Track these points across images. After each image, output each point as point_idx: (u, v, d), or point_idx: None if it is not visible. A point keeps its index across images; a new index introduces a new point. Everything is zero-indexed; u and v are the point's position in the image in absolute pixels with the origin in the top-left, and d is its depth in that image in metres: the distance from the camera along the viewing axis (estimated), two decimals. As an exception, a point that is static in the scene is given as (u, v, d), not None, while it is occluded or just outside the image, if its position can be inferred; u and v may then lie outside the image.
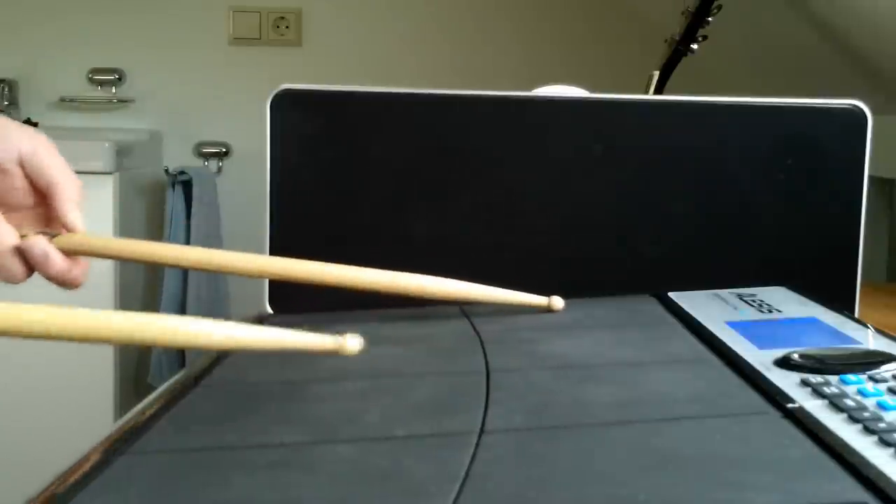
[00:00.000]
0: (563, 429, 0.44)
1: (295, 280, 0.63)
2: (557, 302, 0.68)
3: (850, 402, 0.43)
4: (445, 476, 0.37)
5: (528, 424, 0.45)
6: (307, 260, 0.63)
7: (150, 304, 1.98)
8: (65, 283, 0.59)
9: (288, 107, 0.75)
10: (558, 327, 0.65)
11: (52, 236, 0.59)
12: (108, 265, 1.70)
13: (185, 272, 1.95)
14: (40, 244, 0.58)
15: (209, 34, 2.13)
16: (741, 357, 0.53)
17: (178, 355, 1.96)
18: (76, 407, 1.57)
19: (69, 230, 0.61)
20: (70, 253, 0.59)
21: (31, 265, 0.58)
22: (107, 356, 1.69)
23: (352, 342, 0.50)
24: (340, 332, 0.66)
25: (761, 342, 0.55)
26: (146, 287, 1.99)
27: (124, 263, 1.74)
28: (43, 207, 0.62)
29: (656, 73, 1.36)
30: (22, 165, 0.60)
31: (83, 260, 0.60)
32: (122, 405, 1.72)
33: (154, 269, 2.00)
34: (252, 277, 0.65)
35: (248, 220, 2.03)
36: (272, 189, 0.75)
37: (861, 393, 0.44)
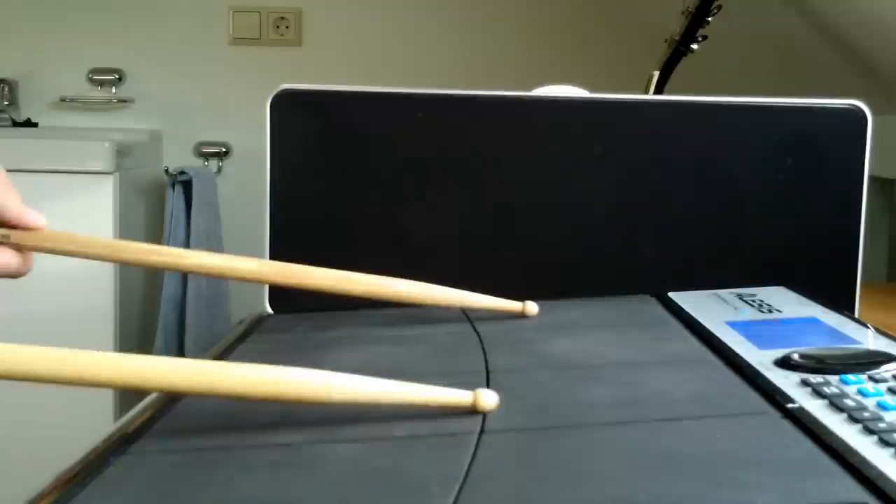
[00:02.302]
0: (563, 429, 0.44)
1: (265, 282, 0.63)
2: (532, 307, 0.68)
3: (850, 402, 0.43)
4: (445, 476, 0.37)
5: (528, 424, 0.45)
6: (305, 262, 0.63)
7: (150, 303, 1.98)
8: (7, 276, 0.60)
9: (288, 107, 0.75)
10: (558, 327, 0.65)
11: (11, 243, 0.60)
12: (107, 265, 1.70)
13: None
14: None
15: (209, 34, 2.13)
16: (741, 357, 0.53)
17: (178, 355, 1.95)
18: (76, 407, 1.57)
19: (32, 229, 0.60)
20: (29, 249, 0.60)
21: None
22: (107, 356, 1.68)
23: (487, 398, 0.46)
24: (340, 331, 0.66)
25: (761, 342, 0.55)
26: (146, 286, 1.99)
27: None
28: None
29: (656, 73, 1.36)
30: None
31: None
32: (122, 405, 1.72)
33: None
34: (248, 281, 0.65)
35: (248, 220, 2.03)
36: (272, 189, 0.75)
37: (861, 393, 0.44)
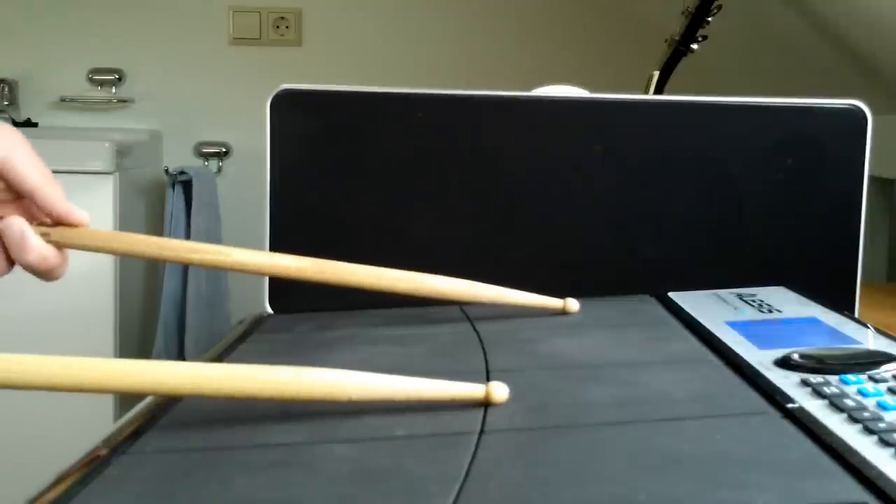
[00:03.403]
0: (563, 429, 0.44)
1: (306, 280, 0.63)
2: (573, 304, 0.68)
3: (850, 402, 0.43)
4: (445, 476, 0.37)
5: (528, 424, 0.45)
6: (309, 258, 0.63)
7: (150, 302, 1.98)
8: (45, 273, 0.56)
9: (288, 107, 0.75)
10: (558, 327, 0.65)
11: (52, 240, 0.57)
12: (107, 265, 1.70)
13: (185, 270, 1.95)
14: (17, 224, 0.54)
15: (209, 34, 2.13)
16: (741, 357, 0.53)
17: (178, 355, 1.96)
18: (76, 407, 1.57)
19: (72, 224, 0.58)
20: (70, 247, 0.57)
21: (9, 255, 0.54)
22: (107, 356, 1.68)
23: (499, 391, 0.47)
24: (341, 331, 0.66)
25: (761, 342, 0.55)
26: (146, 285, 1.99)
27: (124, 261, 1.74)
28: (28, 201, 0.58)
29: (656, 73, 1.36)
30: None
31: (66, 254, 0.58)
32: (122, 405, 1.72)
33: (154, 267, 2.00)
34: (259, 275, 0.64)
35: (248, 220, 2.03)
36: (272, 189, 0.75)
37: (861, 393, 0.44)
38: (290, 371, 0.45)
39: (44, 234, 0.57)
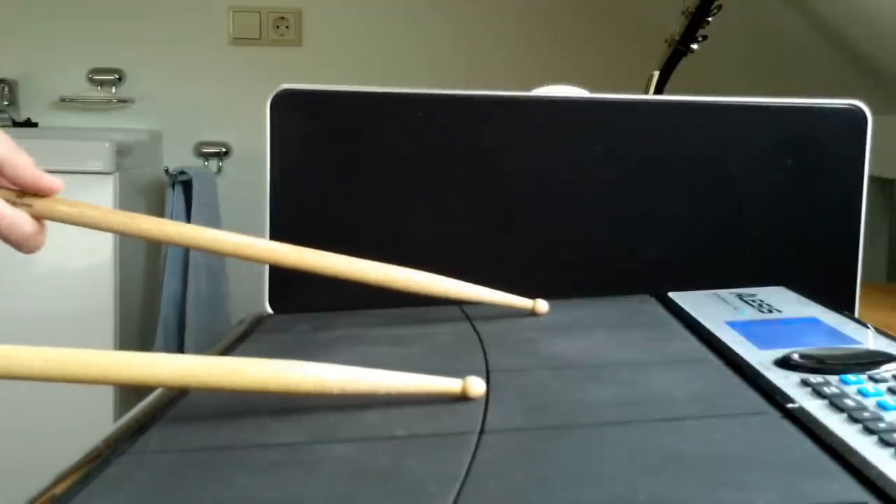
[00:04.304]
0: (563, 429, 0.44)
1: (300, 268, 0.63)
2: (542, 305, 0.68)
3: (850, 402, 0.43)
4: (445, 476, 0.37)
5: (528, 424, 0.45)
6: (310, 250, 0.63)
7: (150, 302, 1.98)
8: (20, 242, 0.55)
9: (288, 107, 0.75)
10: (558, 327, 0.65)
11: (24, 203, 0.55)
12: (107, 264, 1.70)
13: (185, 270, 1.95)
14: None
15: (209, 34, 2.13)
16: (741, 357, 0.53)
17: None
18: (76, 407, 1.57)
19: (48, 193, 0.57)
20: (43, 217, 0.56)
21: None
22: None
23: (475, 385, 0.48)
24: (340, 331, 0.66)
25: (761, 342, 0.55)
26: (146, 285, 1.99)
27: (124, 260, 1.74)
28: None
29: (656, 73, 1.36)
30: None
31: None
32: (122, 405, 1.72)
33: (154, 267, 2.00)
34: (253, 262, 0.65)
35: (248, 220, 2.03)
36: (272, 189, 0.75)
37: (861, 393, 0.44)
38: (271, 364, 0.46)
39: (21, 200, 0.56)
